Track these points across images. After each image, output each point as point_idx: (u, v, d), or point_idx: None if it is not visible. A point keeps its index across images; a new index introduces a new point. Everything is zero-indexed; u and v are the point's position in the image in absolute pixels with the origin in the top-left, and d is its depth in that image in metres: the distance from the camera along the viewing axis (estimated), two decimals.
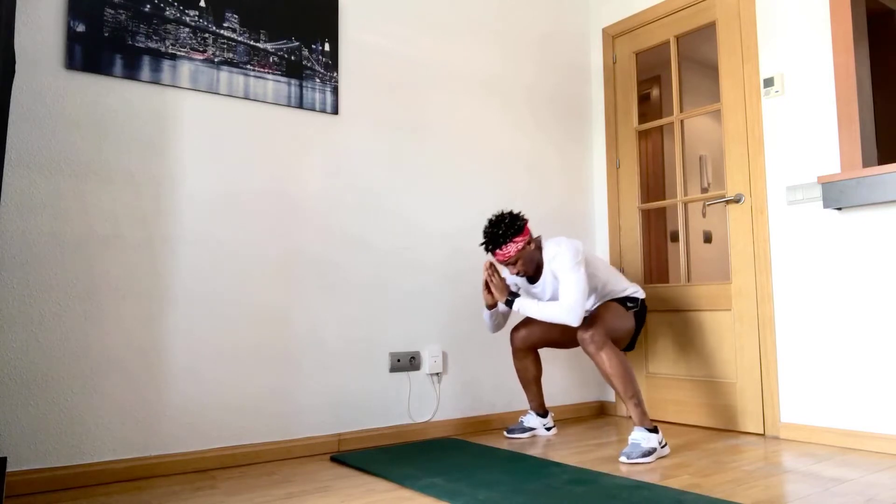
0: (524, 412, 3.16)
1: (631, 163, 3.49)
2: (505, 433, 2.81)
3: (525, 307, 2.45)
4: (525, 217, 2.52)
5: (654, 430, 2.38)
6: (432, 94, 3.04)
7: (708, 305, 3.05)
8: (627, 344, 2.72)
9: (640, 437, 2.35)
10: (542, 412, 2.85)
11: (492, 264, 2.53)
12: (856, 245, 2.54)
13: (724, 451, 2.49)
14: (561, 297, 2.42)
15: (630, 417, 2.45)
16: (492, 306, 2.63)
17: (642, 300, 2.69)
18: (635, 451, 2.30)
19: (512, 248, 2.44)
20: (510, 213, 2.49)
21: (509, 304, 2.49)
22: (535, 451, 2.51)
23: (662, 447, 2.39)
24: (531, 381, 2.83)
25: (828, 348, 2.60)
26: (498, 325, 2.75)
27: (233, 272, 2.42)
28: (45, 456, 2.03)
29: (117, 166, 2.22)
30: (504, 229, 2.44)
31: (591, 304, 2.66)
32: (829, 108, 2.66)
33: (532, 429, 2.81)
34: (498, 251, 2.46)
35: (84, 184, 2.16)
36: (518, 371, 2.83)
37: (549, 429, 2.85)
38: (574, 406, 3.35)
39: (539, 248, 2.55)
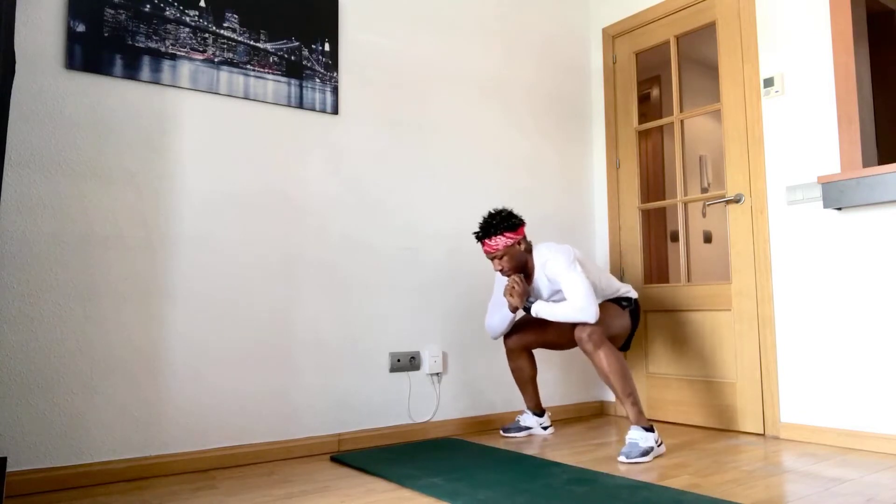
0: (521, 412, 3.16)
1: (631, 163, 3.49)
2: (501, 432, 2.82)
3: (542, 311, 2.49)
4: (523, 220, 2.57)
5: (651, 429, 2.40)
6: (432, 95, 3.04)
7: (708, 305, 3.05)
8: (623, 343, 2.73)
9: (638, 437, 2.37)
10: (539, 411, 2.86)
11: (518, 275, 2.57)
12: (856, 245, 2.54)
13: (724, 451, 2.49)
14: (569, 299, 2.44)
15: (627, 417, 2.47)
16: (515, 309, 2.63)
17: (635, 300, 2.71)
18: (634, 451, 2.32)
19: (500, 242, 2.50)
20: (509, 211, 2.56)
21: (527, 309, 2.55)
22: (535, 451, 2.51)
23: (659, 445, 2.41)
24: (527, 380, 2.83)
25: (828, 348, 2.60)
26: (504, 332, 2.75)
27: (233, 272, 2.41)
28: (45, 456, 2.03)
29: (117, 166, 2.22)
30: (498, 221, 2.51)
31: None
32: (829, 108, 2.66)
33: (528, 427, 2.83)
34: (487, 241, 2.52)
35: (84, 184, 2.16)
36: (513, 371, 2.83)
37: (545, 428, 2.85)
38: (574, 406, 3.35)
39: (529, 252, 2.59)
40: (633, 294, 2.72)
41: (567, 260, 2.48)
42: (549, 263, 2.50)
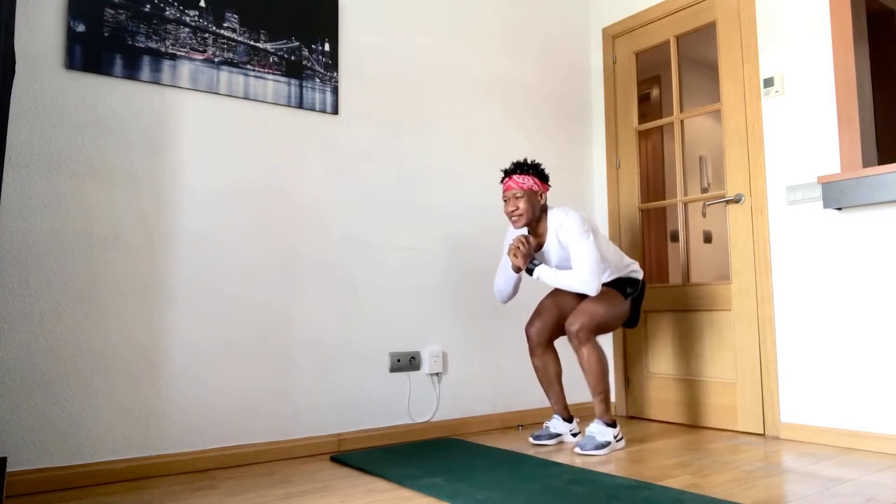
0: (532, 411, 3.16)
1: (631, 163, 3.49)
2: (531, 439, 2.67)
3: (543, 274, 2.50)
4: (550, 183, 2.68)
5: (613, 425, 2.51)
6: (432, 94, 3.04)
7: (708, 305, 3.05)
8: (627, 322, 2.71)
9: (597, 431, 2.48)
10: (568, 416, 2.73)
11: (525, 236, 2.56)
12: (856, 245, 2.54)
13: (724, 451, 2.49)
14: (575, 268, 2.45)
15: (612, 412, 2.51)
16: (518, 270, 2.59)
17: (642, 282, 2.70)
18: (589, 443, 2.43)
19: (526, 183, 2.51)
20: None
21: (530, 271, 2.54)
22: (535, 452, 2.51)
23: (618, 441, 2.50)
24: (553, 379, 2.72)
25: (828, 348, 2.60)
26: (511, 295, 2.69)
27: (233, 272, 2.42)
28: (45, 456, 2.03)
29: (117, 166, 2.22)
30: (532, 164, 2.56)
31: (605, 276, 2.65)
32: (829, 108, 2.66)
33: (559, 434, 2.68)
34: (515, 176, 2.53)
35: (84, 183, 2.16)
36: (538, 370, 2.72)
37: (574, 434, 2.72)
38: (573, 406, 3.35)
39: (545, 211, 2.59)
40: (639, 274, 2.70)
41: (581, 226, 2.47)
42: (564, 227, 2.49)
